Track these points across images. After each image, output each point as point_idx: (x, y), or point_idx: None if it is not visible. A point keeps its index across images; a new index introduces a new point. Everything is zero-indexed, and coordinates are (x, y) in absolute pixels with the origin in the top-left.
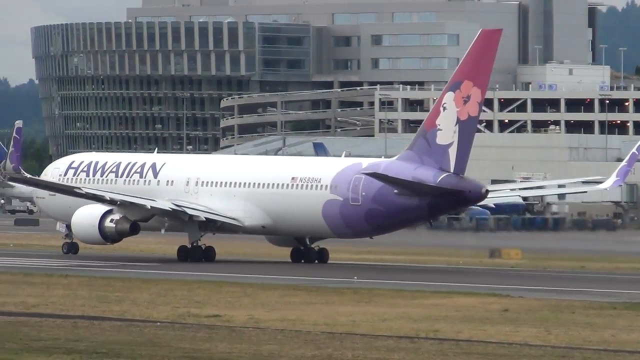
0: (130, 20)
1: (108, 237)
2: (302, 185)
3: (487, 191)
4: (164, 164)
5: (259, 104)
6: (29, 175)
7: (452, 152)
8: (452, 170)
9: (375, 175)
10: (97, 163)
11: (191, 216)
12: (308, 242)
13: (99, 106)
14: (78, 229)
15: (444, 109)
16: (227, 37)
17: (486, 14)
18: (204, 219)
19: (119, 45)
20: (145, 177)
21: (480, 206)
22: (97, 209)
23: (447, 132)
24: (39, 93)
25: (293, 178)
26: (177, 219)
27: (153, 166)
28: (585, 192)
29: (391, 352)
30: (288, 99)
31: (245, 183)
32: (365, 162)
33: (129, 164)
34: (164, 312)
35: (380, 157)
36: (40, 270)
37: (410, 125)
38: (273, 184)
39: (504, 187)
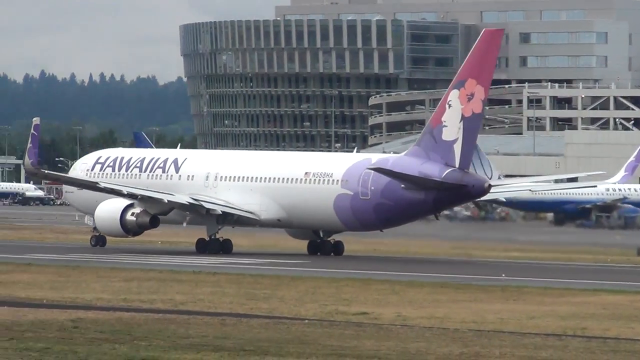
0: (278, 18)
1: (129, 230)
2: (315, 180)
3: (490, 186)
4: (185, 159)
5: (407, 102)
6: (47, 171)
7: (457, 148)
8: (457, 166)
9: (379, 170)
10: (122, 158)
11: (208, 210)
12: (322, 235)
13: (247, 104)
14: (101, 222)
15: (449, 106)
16: (375, 35)
17: (635, 11)
18: (221, 213)
19: (267, 43)
20: (167, 172)
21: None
22: (119, 203)
23: (452, 129)
24: (187, 91)
25: (306, 173)
26: (196, 212)
27: (175, 161)
28: (595, 185)
29: (538, 350)
30: (436, 96)
31: (261, 178)
32: (375, 158)
33: (152, 159)
34: (312, 310)
35: (528, 155)
36: (188, 267)
37: (559, 123)
38: (287, 179)
39: (512, 182)
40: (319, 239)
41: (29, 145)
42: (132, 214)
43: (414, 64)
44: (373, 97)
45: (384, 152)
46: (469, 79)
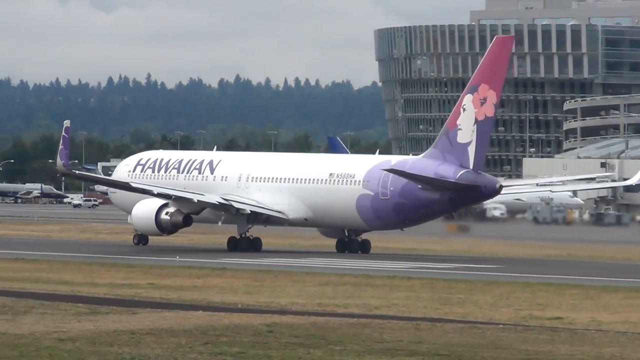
0: (473, 23)
1: (164, 228)
2: (339, 180)
3: (501, 187)
4: (220, 161)
5: (602, 107)
6: (77, 172)
7: (471, 150)
8: (471, 167)
9: (393, 172)
10: (162, 160)
11: (238, 209)
12: (347, 234)
13: (441, 109)
14: (137, 221)
15: (464, 110)
16: (570, 40)
17: None
18: (249, 212)
19: (462, 47)
20: (203, 173)
21: None
22: (154, 203)
23: (466, 132)
24: (382, 95)
25: (331, 174)
26: (228, 211)
27: (210, 163)
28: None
29: None
30: (631, 101)
31: (289, 179)
32: (395, 159)
33: (189, 161)
34: (506, 314)
35: None
36: (382, 272)
37: None
38: (313, 180)
39: (522, 183)
40: (346, 237)
41: (60, 147)
42: (167, 213)
43: (609, 69)
44: (567, 102)
45: (578, 157)
46: (482, 84)
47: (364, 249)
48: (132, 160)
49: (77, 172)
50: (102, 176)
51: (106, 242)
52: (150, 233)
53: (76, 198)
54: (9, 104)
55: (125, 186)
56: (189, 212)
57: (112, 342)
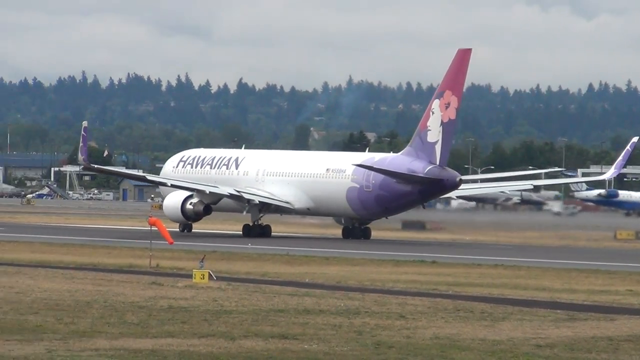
0: None
1: (189, 216)
2: (333, 175)
3: (461, 180)
4: (244, 158)
5: None
6: (96, 166)
7: (438, 148)
8: (437, 163)
9: (361, 166)
10: (199, 157)
11: (248, 200)
12: (344, 222)
13: None
14: (166, 210)
15: (432, 113)
16: None
17: None
18: (258, 202)
19: None
20: (229, 169)
21: None
22: (181, 195)
23: (434, 132)
24: None
25: (327, 169)
26: (240, 202)
27: (236, 160)
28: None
29: None
30: None
31: (294, 173)
32: (378, 156)
33: (220, 158)
34: None
35: None
36: None
37: None
38: (314, 174)
39: (480, 177)
40: (350, 226)
41: (80, 144)
42: (191, 204)
43: None
44: None
45: None
46: (447, 90)
47: (365, 235)
48: (176, 157)
49: (96, 166)
50: (120, 170)
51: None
52: (177, 220)
53: (555, 205)
54: (490, 110)
55: (142, 179)
56: (209, 203)
57: (590, 348)
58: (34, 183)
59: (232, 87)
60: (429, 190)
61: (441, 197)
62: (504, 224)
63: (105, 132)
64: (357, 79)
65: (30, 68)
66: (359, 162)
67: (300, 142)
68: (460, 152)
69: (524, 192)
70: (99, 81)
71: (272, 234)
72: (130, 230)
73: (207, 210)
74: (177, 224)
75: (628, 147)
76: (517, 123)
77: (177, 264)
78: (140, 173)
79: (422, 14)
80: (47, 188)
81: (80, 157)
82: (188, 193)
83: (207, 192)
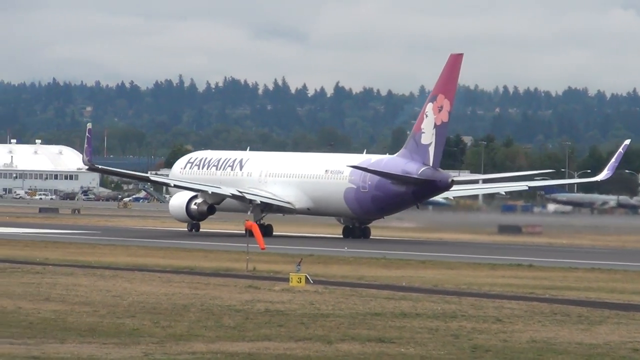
0: None
1: (194, 216)
2: (332, 176)
3: (453, 181)
4: (248, 159)
5: None
6: (100, 166)
7: (432, 150)
8: (431, 164)
9: (360, 168)
10: (205, 159)
11: (250, 200)
12: (341, 222)
13: None
14: (172, 210)
15: (426, 116)
16: None
17: None
18: (259, 202)
19: None
20: (234, 170)
21: None
22: (186, 195)
23: (428, 134)
24: None
25: (326, 171)
26: (243, 202)
27: (240, 161)
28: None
29: None
30: None
31: (295, 174)
32: (374, 158)
33: (225, 159)
34: None
35: None
36: None
37: None
38: (314, 175)
39: (474, 178)
40: (351, 225)
41: (85, 145)
42: (195, 204)
43: None
44: None
45: None
46: (439, 94)
47: (364, 234)
48: (184, 159)
49: (99, 166)
50: (123, 170)
51: None
52: (182, 220)
53: None
54: (586, 113)
55: (146, 179)
56: (213, 203)
57: None
58: (130, 186)
59: (329, 91)
60: (422, 191)
61: (433, 197)
62: (601, 228)
63: (202, 136)
64: None
65: (127, 72)
66: (354, 164)
67: (398, 145)
68: (557, 155)
69: (620, 197)
70: (196, 85)
71: (274, 233)
72: (223, 234)
73: (211, 210)
74: (185, 225)
75: (620, 149)
76: (614, 127)
77: (273, 267)
78: (143, 174)
79: (517, 17)
80: (143, 191)
81: (85, 157)
82: (193, 193)
83: (210, 192)
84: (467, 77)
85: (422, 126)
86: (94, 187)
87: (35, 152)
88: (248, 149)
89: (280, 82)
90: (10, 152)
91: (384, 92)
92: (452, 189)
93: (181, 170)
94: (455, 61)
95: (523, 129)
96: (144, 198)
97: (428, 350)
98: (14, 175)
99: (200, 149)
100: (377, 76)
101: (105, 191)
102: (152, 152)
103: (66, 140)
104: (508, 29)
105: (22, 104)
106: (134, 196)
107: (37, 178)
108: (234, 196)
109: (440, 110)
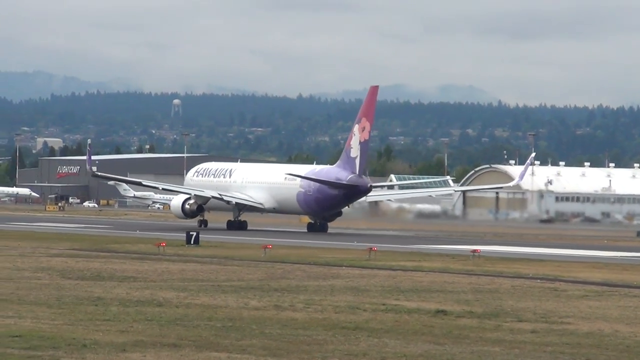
0: None
1: (188, 214)
2: (289, 181)
3: (371, 187)
4: (235, 169)
5: None
6: (100, 173)
7: (357, 162)
8: (357, 172)
9: (292, 175)
10: (209, 169)
11: (228, 201)
12: (310, 219)
13: None
14: (172, 209)
15: (354, 135)
16: None
17: None
18: (235, 203)
19: None
20: (225, 177)
21: None
22: (183, 197)
23: (355, 149)
24: None
25: (285, 177)
26: (225, 203)
27: (230, 170)
28: (501, 187)
29: None
30: None
31: (265, 181)
32: (318, 168)
33: (221, 169)
34: None
35: None
36: None
37: None
38: (277, 182)
39: (388, 184)
40: (314, 221)
41: (86, 157)
42: (188, 204)
43: None
44: None
45: None
46: (363, 117)
47: (323, 229)
48: (195, 169)
49: (99, 173)
50: (121, 177)
51: None
52: (179, 217)
53: None
54: None
55: (138, 184)
56: (201, 203)
57: None
58: None
59: None
60: (350, 193)
61: (359, 199)
62: None
63: None
64: None
65: None
66: (290, 172)
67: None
68: None
69: None
70: None
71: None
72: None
73: (200, 209)
74: (196, 221)
75: None
76: None
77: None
78: (137, 179)
79: None
80: None
81: (87, 166)
82: (187, 196)
83: (192, 194)
84: None
85: (351, 143)
86: None
87: (633, 176)
88: (239, 161)
89: None
90: (609, 175)
91: None
92: (369, 193)
93: (191, 178)
94: (373, 92)
95: None
96: None
97: None
98: (612, 199)
99: None
100: None
101: None
102: None
103: None
104: None
105: (621, 127)
106: None
107: (634, 202)
108: (214, 197)
109: (363, 130)
